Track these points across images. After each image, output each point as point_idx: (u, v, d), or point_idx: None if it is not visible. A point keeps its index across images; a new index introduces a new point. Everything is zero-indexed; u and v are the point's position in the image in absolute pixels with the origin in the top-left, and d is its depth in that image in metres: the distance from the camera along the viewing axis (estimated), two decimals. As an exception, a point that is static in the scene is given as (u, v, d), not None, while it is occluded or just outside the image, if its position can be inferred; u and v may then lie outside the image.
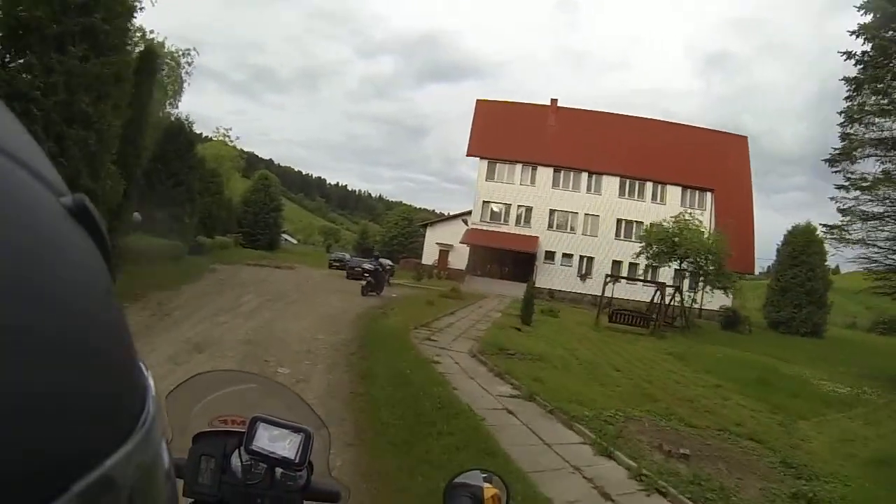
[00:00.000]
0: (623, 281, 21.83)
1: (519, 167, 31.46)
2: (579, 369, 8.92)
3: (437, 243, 35.10)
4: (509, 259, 31.17)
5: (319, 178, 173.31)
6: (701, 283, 21.00)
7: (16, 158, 0.24)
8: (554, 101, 33.43)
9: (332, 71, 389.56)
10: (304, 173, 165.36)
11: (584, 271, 30.74)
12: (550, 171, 31.25)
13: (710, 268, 19.81)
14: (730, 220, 24.47)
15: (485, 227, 30.90)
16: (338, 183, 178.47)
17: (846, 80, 16.16)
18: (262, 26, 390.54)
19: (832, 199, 17.27)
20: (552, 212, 31.06)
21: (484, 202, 31.44)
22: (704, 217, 31.58)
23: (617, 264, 30.79)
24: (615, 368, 9.47)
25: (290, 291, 14.70)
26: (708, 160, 31.57)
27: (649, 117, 33.62)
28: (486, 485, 0.91)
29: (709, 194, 31.60)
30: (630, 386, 8.14)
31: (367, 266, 16.62)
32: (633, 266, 30.67)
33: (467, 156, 32.24)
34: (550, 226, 31.01)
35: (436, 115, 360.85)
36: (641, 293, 29.82)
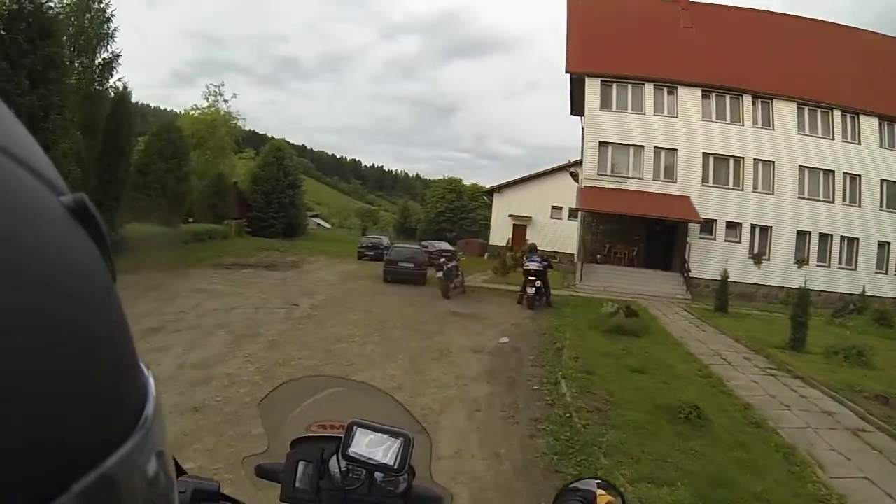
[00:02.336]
0: None
1: (649, 88, 19.95)
2: None
3: (511, 216, 23.28)
4: (641, 233, 19.85)
5: (354, 160, 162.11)
6: None
7: (16, 157, 0.24)
8: (683, -9, 22.05)
9: (356, 55, 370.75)
10: (337, 157, 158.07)
11: (757, 250, 19.82)
12: (697, 93, 19.92)
13: None
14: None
15: (604, 184, 19.33)
16: (373, 164, 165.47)
17: None
18: (279, 16, 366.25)
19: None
20: (706, 157, 19.85)
21: (601, 145, 19.77)
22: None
23: (803, 236, 20.08)
24: None
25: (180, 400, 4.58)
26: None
27: (819, 18, 22.91)
28: (600, 492, 0.89)
29: (912, 130, 21.35)
30: None
31: (533, 267, 12.01)
32: (822, 240, 20.11)
33: (567, 73, 20.40)
34: (705, 179, 19.80)
35: (463, 92, 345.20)
36: (841, 282, 19.07)
